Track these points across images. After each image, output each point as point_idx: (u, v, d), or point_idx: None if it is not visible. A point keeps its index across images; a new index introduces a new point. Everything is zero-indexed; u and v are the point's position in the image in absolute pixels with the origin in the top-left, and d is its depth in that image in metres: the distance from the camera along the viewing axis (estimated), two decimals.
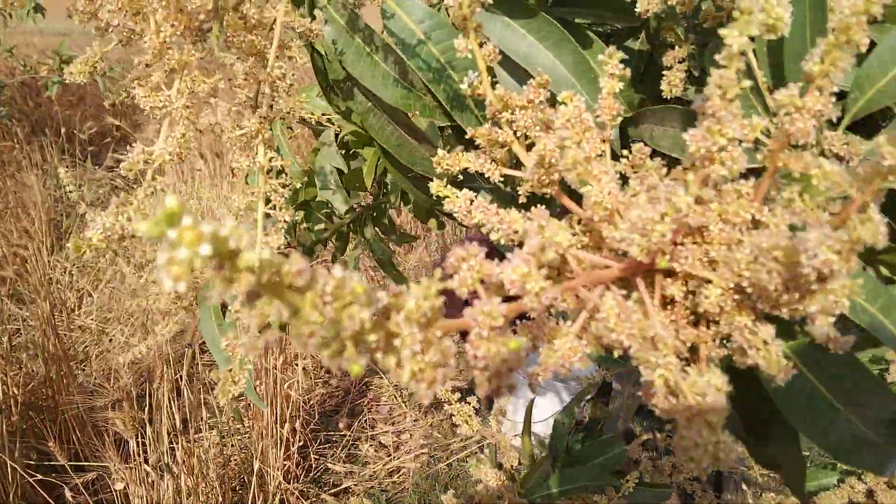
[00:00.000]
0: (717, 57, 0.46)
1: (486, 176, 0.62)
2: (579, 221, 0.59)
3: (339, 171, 1.37)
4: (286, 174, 0.71)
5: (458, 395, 1.23)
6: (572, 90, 0.56)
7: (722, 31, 0.45)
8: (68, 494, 2.60)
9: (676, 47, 0.83)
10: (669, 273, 0.55)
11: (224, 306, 1.24)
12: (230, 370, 0.65)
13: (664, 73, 0.81)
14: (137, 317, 3.32)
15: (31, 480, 2.55)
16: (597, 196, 0.49)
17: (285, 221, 0.71)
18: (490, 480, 1.04)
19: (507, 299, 0.46)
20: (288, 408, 2.90)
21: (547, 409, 3.13)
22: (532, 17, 0.80)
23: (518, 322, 0.55)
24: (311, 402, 3.37)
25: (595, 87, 0.80)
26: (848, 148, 0.59)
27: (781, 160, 0.49)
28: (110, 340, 3.65)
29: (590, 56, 0.80)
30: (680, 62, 0.82)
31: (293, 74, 0.74)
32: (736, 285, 0.49)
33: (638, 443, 1.34)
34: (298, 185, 1.40)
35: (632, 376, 2.13)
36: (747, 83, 0.46)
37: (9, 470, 2.52)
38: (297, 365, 3.16)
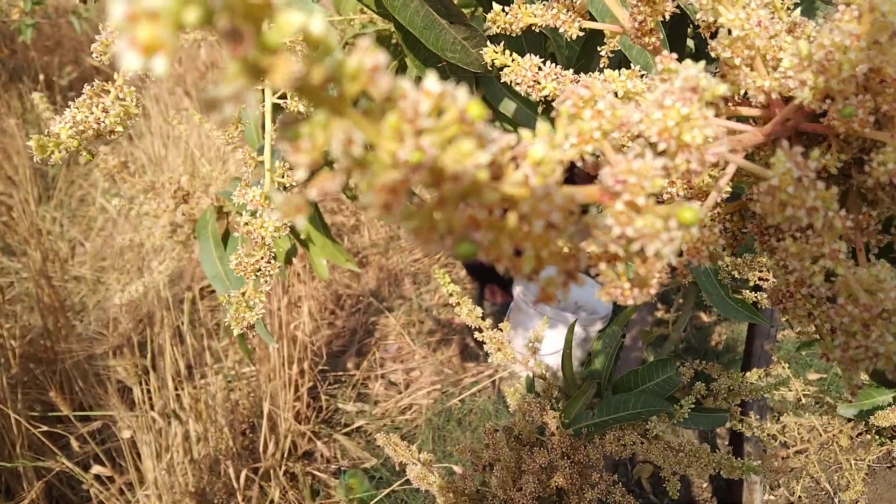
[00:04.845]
0: None
1: (561, 31, 0.48)
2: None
3: None
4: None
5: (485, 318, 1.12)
6: None
7: None
8: (74, 444, 2.54)
9: None
10: (813, 140, 0.42)
11: (226, 236, 1.11)
12: (243, 293, 0.53)
13: None
14: (133, 262, 3.20)
15: (36, 432, 2.49)
16: (739, 28, 0.35)
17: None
18: (533, 410, 0.93)
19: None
20: (295, 349, 2.82)
21: (557, 342, 3.05)
22: None
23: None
24: (318, 344, 3.29)
25: None
26: None
27: None
28: (107, 290, 3.54)
29: None
30: None
31: None
32: None
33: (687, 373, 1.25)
34: None
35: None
36: None
37: (13, 423, 2.46)
38: (300, 307, 3.06)
